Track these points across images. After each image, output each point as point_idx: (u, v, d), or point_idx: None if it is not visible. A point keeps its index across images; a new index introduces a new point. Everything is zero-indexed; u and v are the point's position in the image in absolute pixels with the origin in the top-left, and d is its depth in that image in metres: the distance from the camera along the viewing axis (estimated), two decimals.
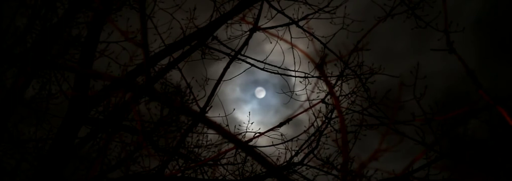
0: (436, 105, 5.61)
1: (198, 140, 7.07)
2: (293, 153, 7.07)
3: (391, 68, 6.78)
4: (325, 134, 6.96)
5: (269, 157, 6.72)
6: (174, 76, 6.84)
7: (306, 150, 7.01)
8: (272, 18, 6.71)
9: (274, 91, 8.51)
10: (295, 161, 7.06)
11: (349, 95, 6.99)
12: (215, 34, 6.49)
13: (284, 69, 6.93)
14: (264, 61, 6.80)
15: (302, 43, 7.00)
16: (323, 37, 6.88)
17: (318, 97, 6.98)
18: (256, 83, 8.77)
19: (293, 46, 6.60)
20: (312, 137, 6.97)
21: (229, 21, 6.46)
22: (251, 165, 7.09)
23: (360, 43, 6.38)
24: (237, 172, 7.02)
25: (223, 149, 6.92)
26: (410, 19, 6.53)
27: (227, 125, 6.97)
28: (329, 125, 6.95)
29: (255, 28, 6.50)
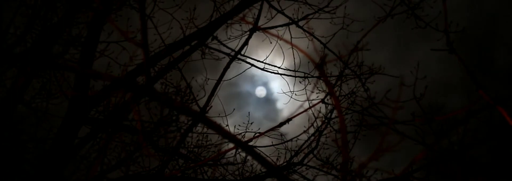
0: (436, 105, 5.61)
1: (198, 140, 7.08)
2: (293, 153, 7.07)
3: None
4: (325, 134, 6.96)
5: (269, 157, 6.73)
6: (174, 76, 6.84)
7: (306, 150, 7.01)
8: (272, 18, 6.71)
9: (257, 104, 8.55)
10: (295, 161, 7.07)
11: (349, 95, 6.99)
12: (215, 34, 6.49)
13: (284, 69, 6.94)
14: (264, 61, 6.81)
15: (302, 43, 7.00)
16: (323, 37, 6.88)
17: (317, 97, 6.99)
18: (239, 95, 8.78)
19: (293, 46, 6.60)
20: (312, 137, 6.98)
21: (229, 21, 6.45)
22: (251, 165, 7.09)
23: (360, 43, 6.38)
24: (237, 172, 7.02)
25: (223, 149, 6.92)
26: (410, 19, 6.53)
27: (227, 125, 6.97)
28: (328, 125, 6.96)
29: (255, 28, 6.49)
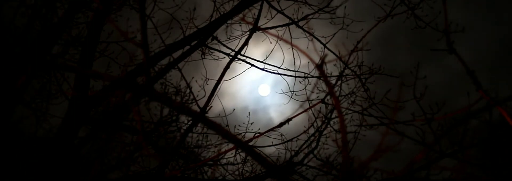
0: (436, 105, 5.60)
1: (198, 140, 7.08)
2: (293, 153, 7.07)
3: None
4: (325, 134, 6.96)
5: (269, 157, 6.73)
6: (174, 76, 6.84)
7: (306, 150, 7.01)
8: (272, 18, 6.71)
9: (257, 104, 8.54)
10: (295, 161, 7.06)
11: (349, 95, 6.99)
12: (215, 34, 6.49)
13: (284, 69, 6.93)
14: (264, 61, 6.81)
15: (302, 43, 7.00)
16: (323, 37, 6.88)
17: (317, 97, 6.98)
18: (239, 95, 8.77)
19: (293, 46, 6.60)
20: (312, 137, 6.97)
21: (229, 21, 6.46)
22: (251, 165, 7.08)
23: (360, 43, 6.39)
24: (237, 172, 7.02)
25: (223, 149, 6.92)
26: (410, 19, 6.53)
27: (227, 125, 6.97)
28: (328, 125, 6.95)
29: (255, 28, 6.50)
